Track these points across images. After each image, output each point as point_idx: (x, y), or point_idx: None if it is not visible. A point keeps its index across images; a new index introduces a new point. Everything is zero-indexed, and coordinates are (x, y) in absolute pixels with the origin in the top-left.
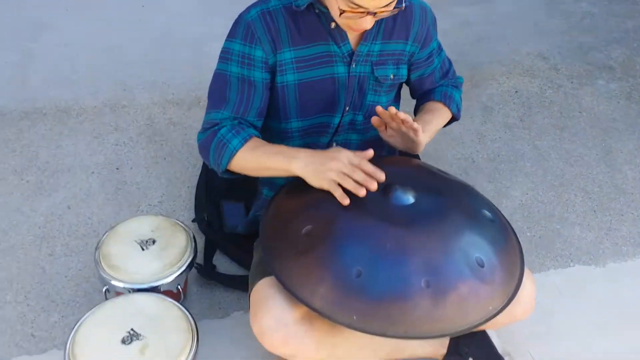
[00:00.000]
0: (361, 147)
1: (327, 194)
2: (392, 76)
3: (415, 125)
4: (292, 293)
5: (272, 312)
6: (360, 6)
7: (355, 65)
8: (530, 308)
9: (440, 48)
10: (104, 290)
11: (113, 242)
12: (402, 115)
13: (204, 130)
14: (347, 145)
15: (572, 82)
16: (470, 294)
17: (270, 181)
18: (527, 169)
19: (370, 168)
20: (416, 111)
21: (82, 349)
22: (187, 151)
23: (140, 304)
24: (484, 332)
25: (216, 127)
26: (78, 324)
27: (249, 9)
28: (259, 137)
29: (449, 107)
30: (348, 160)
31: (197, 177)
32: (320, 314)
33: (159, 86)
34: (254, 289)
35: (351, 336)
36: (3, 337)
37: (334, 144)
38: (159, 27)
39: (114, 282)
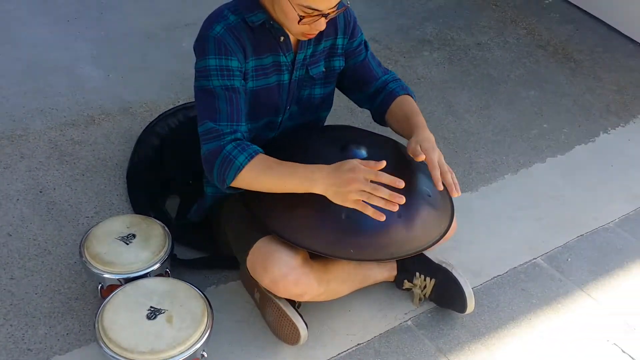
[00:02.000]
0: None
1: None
2: (323, 70)
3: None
4: (295, 242)
5: (280, 262)
6: (315, 9)
7: (295, 71)
8: (454, 228)
9: (366, 43)
10: (99, 287)
11: (97, 243)
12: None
13: (208, 140)
14: (284, 132)
15: (404, 57)
16: (428, 217)
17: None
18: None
19: (389, 178)
20: (386, 109)
21: (115, 333)
22: (101, 165)
23: (148, 286)
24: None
25: (222, 142)
26: (98, 313)
27: (211, 26)
28: (263, 152)
29: (411, 96)
30: (365, 177)
31: (121, 186)
32: (324, 254)
33: (47, 112)
34: (251, 251)
35: (338, 272)
36: (2, 357)
37: (276, 137)
38: (23, 58)
39: (111, 276)
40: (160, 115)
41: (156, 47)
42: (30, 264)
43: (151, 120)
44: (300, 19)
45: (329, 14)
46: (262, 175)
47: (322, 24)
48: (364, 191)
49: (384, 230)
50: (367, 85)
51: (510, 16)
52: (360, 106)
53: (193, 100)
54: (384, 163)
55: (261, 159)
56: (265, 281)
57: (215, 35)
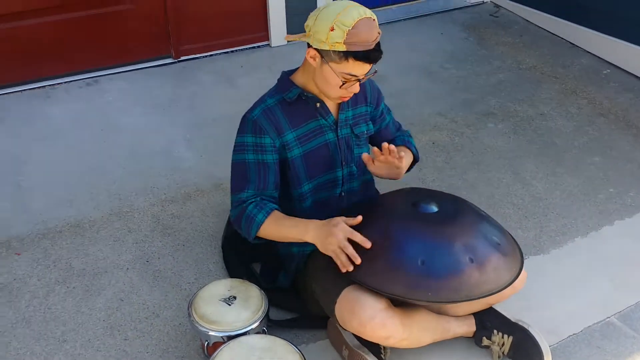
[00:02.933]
0: (363, 189)
1: (367, 222)
2: (366, 131)
3: (401, 153)
4: (377, 289)
5: (367, 306)
6: (354, 75)
7: (340, 130)
8: (524, 280)
9: (388, 109)
10: (205, 344)
11: (203, 305)
12: (392, 146)
13: (235, 207)
14: (352, 191)
15: (470, 129)
16: (499, 262)
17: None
18: (464, 197)
19: (359, 238)
20: None
21: None
22: (199, 236)
23: (250, 342)
24: (493, 309)
25: (244, 204)
26: None
27: (252, 109)
28: (278, 209)
29: (409, 149)
30: (343, 234)
31: (217, 254)
32: (404, 298)
33: (149, 190)
34: (339, 299)
35: (419, 319)
36: None
37: (343, 194)
38: (125, 143)
39: (216, 334)
40: None
41: None
42: (141, 326)
43: None
44: (343, 84)
45: (362, 78)
46: (274, 230)
47: (356, 87)
48: (339, 247)
49: (458, 274)
50: (378, 144)
51: (570, 87)
52: None
53: None
54: (359, 218)
55: (275, 215)
56: (354, 324)
57: (252, 118)
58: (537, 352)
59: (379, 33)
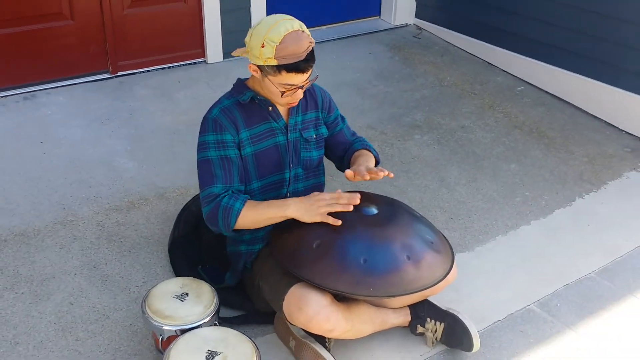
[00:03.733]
0: (306, 193)
1: (313, 224)
2: (314, 135)
3: (383, 173)
4: (323, 286)
5: (313, 302)
6: (293, 85)
7: (290, 133)
8: (455, 274)
9: (342, 117)
10: (159, 339)
11: (157, 301)
12: (353, 172)
13: (208, 203)
14: (296, 192)
15: (398, 140)
16: (432, 259)
17: (242, 240)
18: None
19: (348, 196)
20: (349, 162)
21: None
22: (145, 242)
23: (204, 334)
24: (427, 300)
25: (218, 199)
26: (164, 357)
27: (210, 110)
28: (250, 199)
29: (370, 151)
30: (330, 197)
31: (163, 259)
32: (347, 294)
33: (92, 200)
34: (286, 296)
35: (360, 313)
36: None
37: (288, 194)
38: (65, 154)
39: (170, 328)
40: (194, 197)
41: (181, 141)
42: (92, 327)
43: (187, 202)
44: (282, 93)
45: (303, 85)
46: (253, 214)
47: (299, 94)
48: (329, 204)
49: (397, 271)
50: (340, 149)
51: (488, 102)
52: (339, 166)
53: None
54: (357, 196)
55: (250, 203)
56: (300, 319)
57: (212, 117)
58: (467, 336)
59: (311, 42)
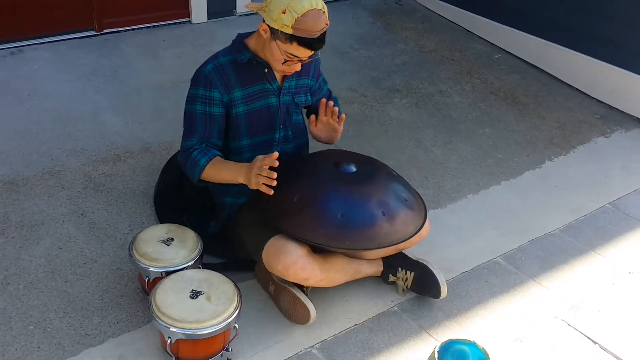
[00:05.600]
0: (294, 152)
1: (294, 179)
2: (304, 101)
3: (342, 115)
4: (301, 238)
5: (291, 252)
6: (296, 56)
7: (282, 96)
8: (428, 229)
9: (325, 80)
10: (146, 280)
11: (144, 245)
12: (335, 107)
13: (182, 152)
14: (284, 152)
15: (378, 103)
16: (406, 216)
17: (228, 192)
18: None
19: (268, 159)
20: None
21: (167, 309)
22: (131, 193)
23: (188, 275)
24: (401, 252)
25: (190, 150)
26: (151, 295)
27: (205, 64)
28: (221, 156)
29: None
30: (258, 165)
31: (148, 209)
32: (324, 246)
33: (79, 152)
34: (266, 246)
35: (334, 263)
36: (64, 340)
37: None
38: (52, 108)
39: (157, 269)
40: (179, 151)
41: (165, 97)
42: (80, 270)
43: (171, 155)
44: (284, 62)
45: (305, 60)
46: (214, 173)
47: (298, 67)
48: (259, 174)
49: (372, 226)
50: (312, 110)
51: (466, 69)
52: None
53: None
54: (275, 154)
55: (216, 161)
56: (278, 268)
57: (205, 72)
58: (435, 283)
59: (326, 24)
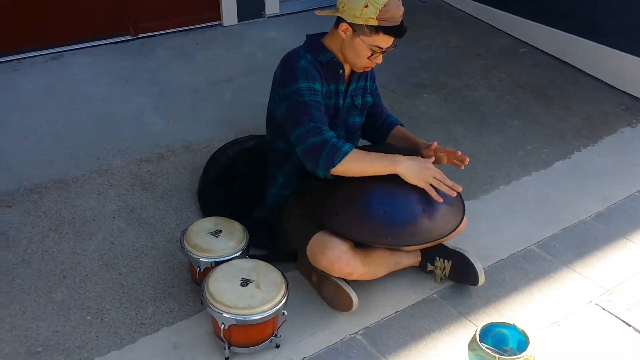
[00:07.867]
0: None
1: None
2: (361, 103)
3: (466, 159)
4: (346, 234)
5: (335, 248)
6: (380, 47)
7: (347, 98)
8: (465, 223)
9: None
10: (197, 270)
11: (194, 237)
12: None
13: (312, 136)
14: None
15: (407, 98)
16: (445, 212)
17: (274, 184)
18: None
19: (450, 183)
20: (394, 136)
21: (219, 296)
22: (175, 190)
23: (238, 264)
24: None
25: (325, 135)
26: (204, 283)
27: (297, 61)
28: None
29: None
30: (438, 173)
31: (193, 204)
32: (369, 242)
33: (124, 152)
34: (311, 241)
35: (376, 257)
36: (121, 329)
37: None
38: (95, 110)
39: (206, 259)
40: (219, 148)
41: (203, 98)
42: (132, 263)
43: (212, 153)
44: (371, 55)
45: (386, 50)
46: (360, 160)
47: (380, 59)
48: (436, 179)
49: (413, 223)
50: (378, 119)
51: (492, 63)
52: (364, 134)
53: (242, 136)
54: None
55: (357, 150)
56: (323, 263)
57: (302, 66)
58: (473, 272)
59: (403, 10)
